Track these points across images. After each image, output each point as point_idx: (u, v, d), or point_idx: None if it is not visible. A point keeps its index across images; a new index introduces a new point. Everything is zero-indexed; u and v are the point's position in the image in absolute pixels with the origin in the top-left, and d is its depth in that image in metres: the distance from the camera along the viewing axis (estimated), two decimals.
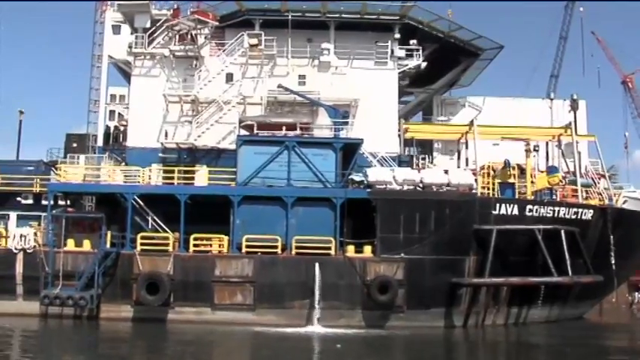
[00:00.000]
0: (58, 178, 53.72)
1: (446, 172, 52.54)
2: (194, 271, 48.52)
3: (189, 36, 57.20)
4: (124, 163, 56.84)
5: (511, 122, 60.20)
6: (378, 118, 57.27)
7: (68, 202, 56.27)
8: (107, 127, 62.82)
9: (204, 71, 57.67)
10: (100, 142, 59.56)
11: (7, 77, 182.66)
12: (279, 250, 48.92)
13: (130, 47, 58.86)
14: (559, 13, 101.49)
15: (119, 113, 67.98)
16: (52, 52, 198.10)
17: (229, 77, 58.10)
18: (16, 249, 49.51)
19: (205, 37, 58.42)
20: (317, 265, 47.68)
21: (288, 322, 47.31)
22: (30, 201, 58.58)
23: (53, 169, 60.93)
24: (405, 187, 50.86)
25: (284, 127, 54.24)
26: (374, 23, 59.23)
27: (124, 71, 63.55)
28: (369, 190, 50.25)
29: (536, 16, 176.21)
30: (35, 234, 50.41)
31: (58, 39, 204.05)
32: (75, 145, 64.24)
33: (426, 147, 63.64)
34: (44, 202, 56.38)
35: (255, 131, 54.24)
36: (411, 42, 59.50)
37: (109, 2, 62.06)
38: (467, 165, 60.34)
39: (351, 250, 49.28)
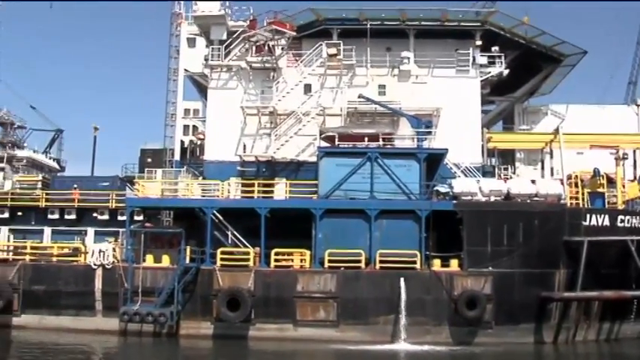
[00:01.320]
0: (136, 193, 53.21)
1: (533, 182, 50.69)
2: (275, 286, 47.47)
3: (266, 47, 56.25)
4: (201, 177, 56.12)
5: (595, 130, 58.30)
6: (460, 128, 55.54)
7: (144, 217, 55.76)
8: (181, 142, 62.33)
9: (282, 82, 56.53)
10: (177, 156, 59.10)
11: (79, 94, 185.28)
12: (362, 265, 47.65)
13: (206, 60, 58.30)
14: (636, 19, 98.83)
15: (194, 126, 67.46)
16: (123, 67, 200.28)
17: (308, 88, 57.00)
18: (95, 265, 49.16)
19: (282, 48, 57.44)
20: (402, 279, 46.28)
21: (372, 338, 45.97)
22: (106, 216, 58.38)
23: (129, 184, 60.92)
24: (492, 199, 49.32)
25: (366, 138, 53.22)
26: (454, 30, 57.60)
27: (199, 85, 63.09)
28: (454, 201, 48.81)
29: (613, 21, 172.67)
30: (114, 249, 49.84)
31: (130, 54, 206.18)
32: (149, 160, 64.06)
33: (507, 157, 61.84)
34: (120, 218, 56.36)
35: (337, 142, 53.18)
36: (493, 49, 57.78)
37: (184, 14, 61.78)
38: (551, 175, 58.43)
39: (437, 263, 47.80)
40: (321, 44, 56.44)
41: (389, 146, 53.34)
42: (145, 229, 51.32)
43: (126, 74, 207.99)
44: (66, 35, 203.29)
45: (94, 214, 58.66)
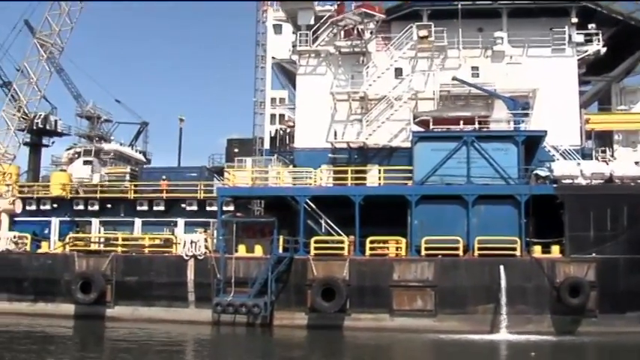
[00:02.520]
0: (227, 183, 52.62)
1: (637, 163, 49.19)
2: (371, 275, 46.47)
3: (355, 31, 55.18)
4: (291, 166, 55.38)
5: None
6: (557, 109, 53.58)
7: (234, 207, 55.28)
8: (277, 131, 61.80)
9: (372, 67, 55.49)
10: (266, 145, 58.56)
11: (164, 87, 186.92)
12: (460, 252, 46.39)
13: (294, 46, 57.59)
14: None
15: (280, 115, 66.84)
16: (206, 57, 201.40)
17: (398, 72, 55.74)
18: (187, 255, 48.75)
19: (371, 32, 56.27)
20: (502, 267, 44.83)
21: (471, 328, 44.71)
22: (194, 207, 58.25)
23: (216, 175, 60.66)
24: (593, 182, 47.67)
25: (461, 122, 51.64)
26: (549, 8, 55.37)
27: (286, 72, 62.40)
28: (555, 185, 47.21)
29: None
30: (206, 240, 49.34)
31: (214, 44, 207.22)
32: (236, 150, 63.59)
33: (604, 139, 59.51)
34: (208, 209, 56.15)
35: (431, 127, 51.83)
36: (590, 26, 55.65)
37: (268, 2, 61.16)
38: None
39: (537, 250, 46.34)
40: (411, 26, 55.03)
41: (485, 129, 51.75)
42: (237, 219, 50.85)
43: (209, 65, 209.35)
44: (148, 26, 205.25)
45: (183, 205, 58.56)
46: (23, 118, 59.49)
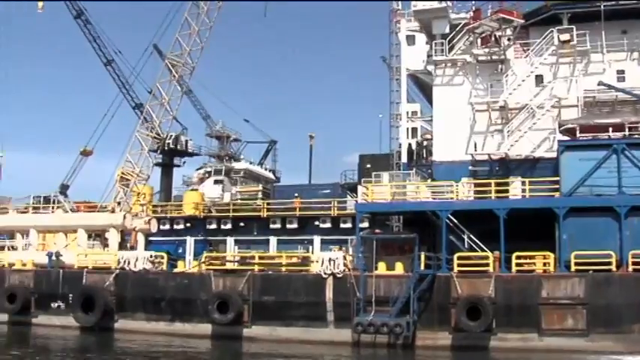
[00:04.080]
0: (365, 199, 51.25)
1: None
2: (518, 293, 44.08)
3: (492, 38, 53.59)
4: (429, 180, 53.84)
5: None
6: None
7: (370, 223, 54.07)
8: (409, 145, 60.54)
9: (511, 75, 53.80)
10: (404, 159, 57.32)
11: (291, 104, 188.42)
12: (613, 267, 43.60)
13: (429, 56, 56.67)
14: None
15: (413, 129, 65.53)
16: (333, 75, 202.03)
17: (539, 79, 53.88)
18: (325, 274, 47.40)
19: (508, 39, 54.60)
20: None
21: (626, 349, 41.79)
22: (328, 224, 57.51)
23: (349, 191, 60.00)
24: None
25: (610, 129, 48.96)
26: None
27: (420, 83, 61.13)
28: None
29: None
30: (344, 258, 48.03)
31: (341, 59, 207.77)
32: (368, 165, 62.57)
33: None
34: (342, 226, 55.27)
35: (577, 135, 49.40)
36: None
37: (399, 11, 60.12)
38: None
39: None
40: (551, 31, 53.00)
41: (636, 136, 48.85)
42: (377, 236, 49.53)
43: (336, 81, 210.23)
44: (271, 43, 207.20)
45: (316, 223, 57.89)
46: (155, 138, 59.81)
